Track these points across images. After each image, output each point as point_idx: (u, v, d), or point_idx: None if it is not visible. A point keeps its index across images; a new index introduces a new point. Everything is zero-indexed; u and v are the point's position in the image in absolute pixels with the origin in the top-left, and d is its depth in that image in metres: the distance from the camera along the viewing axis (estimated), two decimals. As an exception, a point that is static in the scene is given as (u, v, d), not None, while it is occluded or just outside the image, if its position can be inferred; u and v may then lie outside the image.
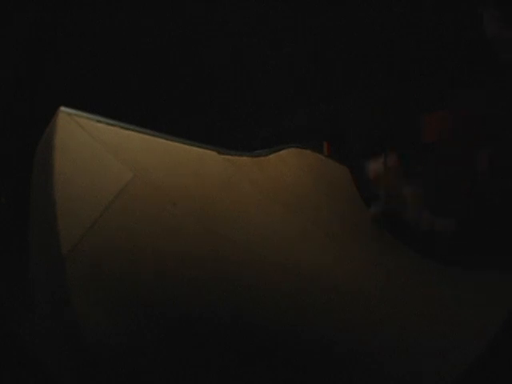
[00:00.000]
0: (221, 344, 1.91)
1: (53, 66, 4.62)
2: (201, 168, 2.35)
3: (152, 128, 2.17)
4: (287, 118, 5.83)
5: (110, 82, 4.70)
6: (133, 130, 2.06)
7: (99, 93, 4.38)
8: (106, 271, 1.74)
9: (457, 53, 5.02)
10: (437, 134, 5.15)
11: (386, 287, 2.89)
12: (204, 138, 2.53)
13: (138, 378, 1.71)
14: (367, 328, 2.37)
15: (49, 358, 2.01)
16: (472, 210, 4.59)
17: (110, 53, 4.84)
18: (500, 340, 2.12)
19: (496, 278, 3.22)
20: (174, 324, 1.85)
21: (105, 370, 1.65)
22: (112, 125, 1.99)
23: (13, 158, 3.95)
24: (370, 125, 5.67)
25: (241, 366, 1.92)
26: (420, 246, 4.09)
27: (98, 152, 1.88)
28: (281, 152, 3.38)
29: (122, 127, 2.02)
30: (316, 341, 2.18)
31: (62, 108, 1.85)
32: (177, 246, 1.99)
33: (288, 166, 3.38)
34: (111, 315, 1.71)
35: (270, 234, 2.52)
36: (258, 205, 2.64)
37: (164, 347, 1.79)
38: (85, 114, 1.91)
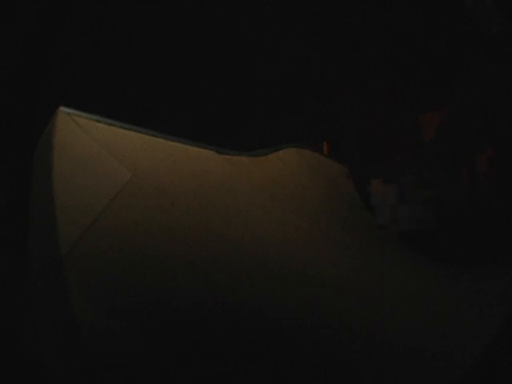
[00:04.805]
0: (218, 339, 1.92)
1: (53, 65, 4.63)
2: (200, 168, 2.35)
3: (151, 128, 2.17)
4: (287, 118, 5.83)
5: (110, 82, 4.71)
6: (132, 130, 2.07)
7: (99, 93, 4.39)
8: (104, 270, 1.74)
9: (456, 52, 5.02)
10: (436, 133, 5.18)
11: (385, 287, 2.89)
12: (203, 138, 2.53)
13: (138, 375, 1.71)
14: (366, 327, 2.37)
15: (49, 358, 2.01)
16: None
17: (110, 52, 4.85)
18: (500, 340, 2.13)
19: (495, 276, 3.22)
20: (173, 322, 1.85)
21: (104, 368, 1.65)
22: (111, 124, 1.99)
23: (13, 157, 3.95)
24: (370, 124, 5.68)
25: (235, 361, 1.93)
26: (419, 246, 4.10)
27: (97, 152, 1.88)
28: (280, 151, 3.38)
29: (121, 127, 2.03)
30: (316, 341, 2.19)
31: (62, 108, 1.85)
32: (175, 246, 1.99)
33: (287, 166, 3.38)
34: (110, 314, 1.72)
35: (268, 233, 2.52)
36: (257, 204, 2.64)
37: (163, 345, 1.79)
38: (84, 114, 1.91)
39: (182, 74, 5.19)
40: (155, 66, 5.08)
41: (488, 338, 2.16)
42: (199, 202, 2.22)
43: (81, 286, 1.68)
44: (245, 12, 5.11)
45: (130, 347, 1.76)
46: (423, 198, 5.09)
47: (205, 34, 5.17)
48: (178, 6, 4.91)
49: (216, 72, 5.32)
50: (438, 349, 2.30)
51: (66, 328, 1.71)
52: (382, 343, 2.32)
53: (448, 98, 5.22)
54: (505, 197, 4.62)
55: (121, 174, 1.92)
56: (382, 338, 2.35)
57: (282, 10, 5.16)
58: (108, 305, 1.73)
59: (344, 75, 5.52)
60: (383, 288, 2.85)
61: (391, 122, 5.55)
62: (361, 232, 3.94)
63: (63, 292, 1.66)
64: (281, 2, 5.16)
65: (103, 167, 1.88)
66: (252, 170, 2.83)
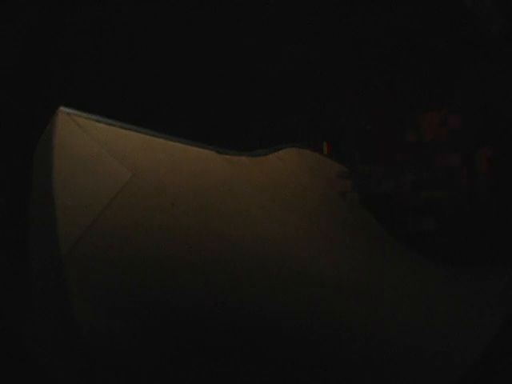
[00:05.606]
0: (218, 339, 1.92)
1: (53, 65, 4.63)
2: (200, 168, 2.35)
3: (151, 128, 2.17)
4: (287, 118, 5.82)
5: (110, 82, 4.71)
6: (132, 130, 2.07)
7: (99, 93, 4.39)
8: (104, 270, 1.74)
9: (456, 52, 5.03)
10: (435, 133, 5.19)
11: (385, 287, 2.89)
12: (203, 138, 2.53)
13: (138, 375, 1.71)
14: (366, 327, 2.37)
15: (49, 358, 2.01)
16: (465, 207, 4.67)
17: (110, 52, 4.84)
18: (500, 340, 2.13)
19: (495, 276, 3.22)
20: (173, 322, 1.85)
21: (104, 368, 1.65)
22: (111, 124, 1.99)
23: (13, 157, 3.95)
24: (370, 124, 5.68)
25: (235, 361, 1.93)
26: (419, 245, 4.10)
27: (97, 152, 1.89)
28: (280, 151, 3.38)
29: (121, 127, 2.03)
30: (316, 341, 2.19)
31: (62, 108, 1.86)
32: (175, 246, 1.99)
33: (287, 166, 3.38)
34: (110, 314, 1.72)
35: (268, 233, 2.52)
36: (257, 204, 2.64)
37: (163, 345, 1.79)
38: (84, 114, 1.92)
39: (182, 73, 5.19)
40: (155, 66, 5.08)
41: (488, 337, 2.16)
42: (199, 202, 2.22)
43: (81, 286, 1.68)
44: (245, 12, 5.11)
45: (130, 347, 1.76)
46: (423, 198, 5.09)
47: (205, 34, 5.17)
48: (177, 5, 4.91)
49: (216, 72, 5.31)
50: (438, 349, 2.30)
51: (66, 328, 1.71)
52: (382, 343, 2.32)
53: (448, 98, 5.23)
54: (505, 197, 4.63)
55: (121, 174, 1.92)
56: (382, 338, 2.35)
57: (282, 10, 5.16)
58: (108, 305, 1.73)
59: (344, 75, 5.52)
60: (383, 288, 2.85)
61: (391, 121, 5.56)
62: (361, 232, 3.94)
63: (63, 292, 1.66)
64: (281, 2, 5.16)
65: (103, 167, 1.89)
66: (252, 170, 2.83)
